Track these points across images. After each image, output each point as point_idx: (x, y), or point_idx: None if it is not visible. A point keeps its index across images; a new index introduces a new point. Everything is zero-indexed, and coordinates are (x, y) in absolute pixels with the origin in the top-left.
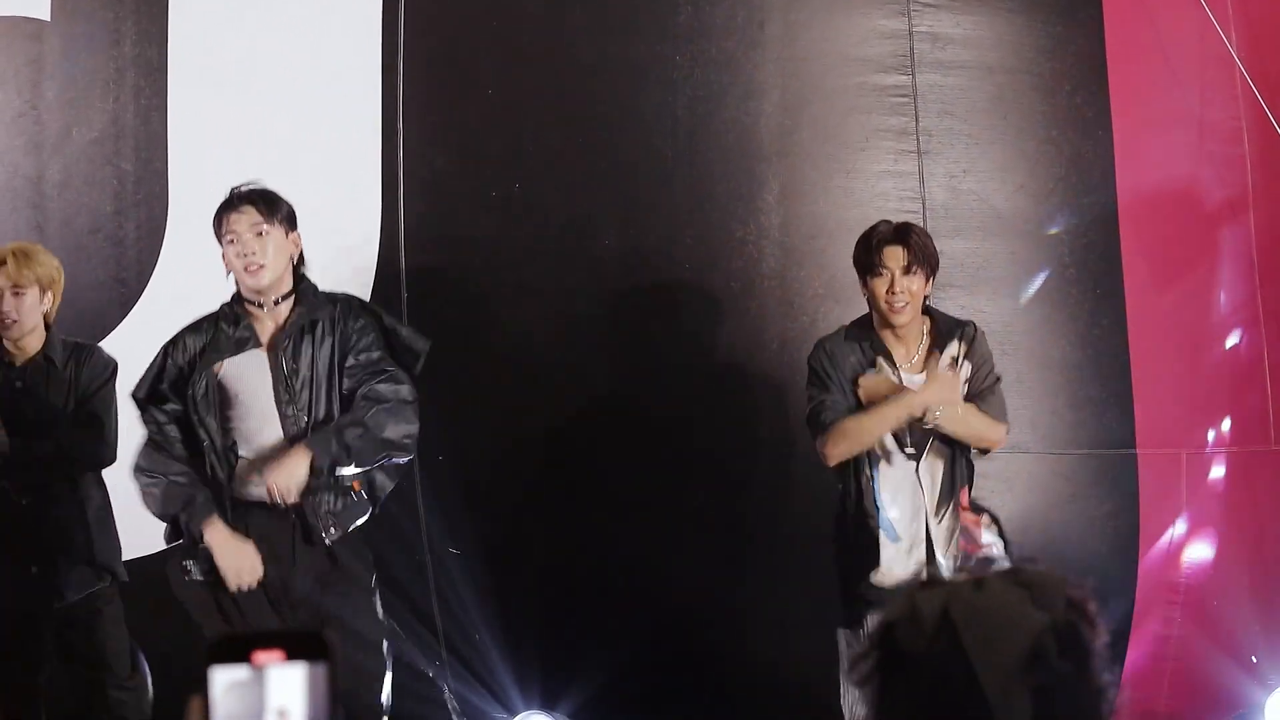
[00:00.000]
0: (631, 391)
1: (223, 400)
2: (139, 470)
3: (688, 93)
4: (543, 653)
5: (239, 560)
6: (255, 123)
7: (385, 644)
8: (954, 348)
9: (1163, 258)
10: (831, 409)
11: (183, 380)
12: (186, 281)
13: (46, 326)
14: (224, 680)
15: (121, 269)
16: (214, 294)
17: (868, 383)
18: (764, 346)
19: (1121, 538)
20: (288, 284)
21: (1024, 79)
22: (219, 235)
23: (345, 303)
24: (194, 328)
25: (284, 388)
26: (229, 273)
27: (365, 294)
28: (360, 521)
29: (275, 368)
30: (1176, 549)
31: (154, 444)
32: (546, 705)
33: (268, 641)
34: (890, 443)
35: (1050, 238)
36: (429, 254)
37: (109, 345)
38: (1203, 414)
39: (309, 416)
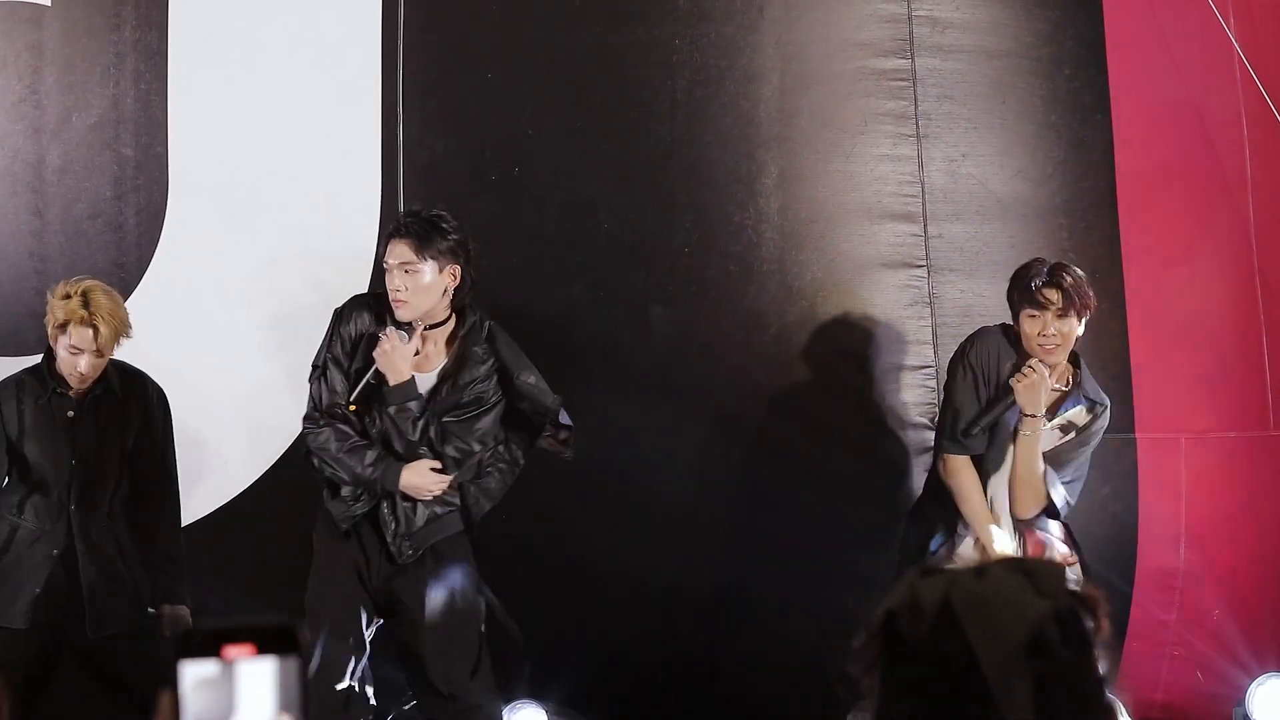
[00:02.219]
0: (628, 376)
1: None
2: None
3: (686, 76)
4: (530, 643)
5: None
6: (255, 107)
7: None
8: (1079, 415)
9: (1161, 242)
10: (960, 426)
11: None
12: (186, 266)
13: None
14: (194, 675)
15: (121, 254)
16: (213, 279)
17: (1029, 379)
18: (763, 330)
19: (1120, 522)
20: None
21: (1023, 63)
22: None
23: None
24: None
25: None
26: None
27: (365, 277)
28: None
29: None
30: (1175, 534)
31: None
32: (534, 695)
33: (238, 636)
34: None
35: (1049, 222)
36: None
37: None
38: (1201, 399)
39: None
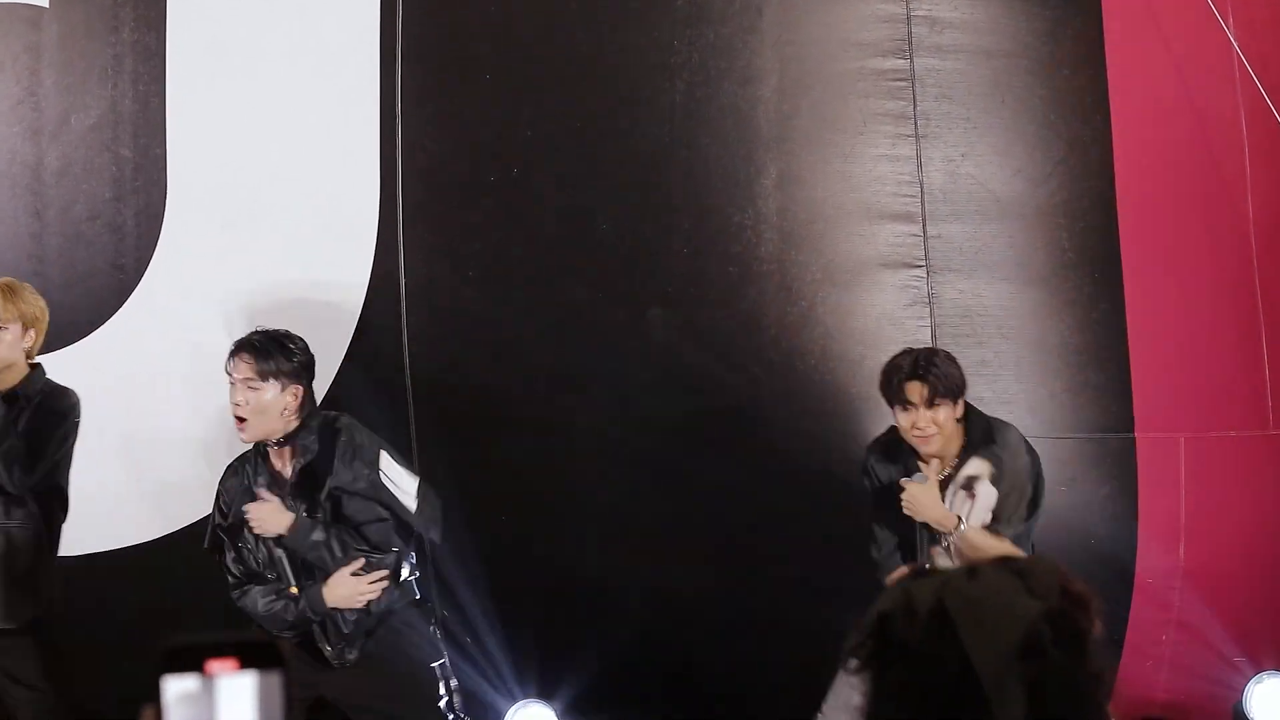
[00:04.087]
0: (628, 378)
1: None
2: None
3: (685, 78)
4: (540, 643)
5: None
6: (254, 109)
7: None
8: (974, 466)
9: (1161, 241)
10: (882, 548)
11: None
12: (185, 268)
13: (32, 365)
14: (176, 689)
15: (120, 255)
16: (211, 280)
17: (912, 492)
18: (762, 331)
19: (1120, 522)
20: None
21: (1022, 63)
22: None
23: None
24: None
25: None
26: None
27: (363, 281)
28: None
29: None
30: (1175, 533)
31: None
32: (543, 695)
33: (221, 650)
34: (931, 551)
35: (1048, 221)
36: (426, 240)
37: (107, 332)
38: (1201, 398)
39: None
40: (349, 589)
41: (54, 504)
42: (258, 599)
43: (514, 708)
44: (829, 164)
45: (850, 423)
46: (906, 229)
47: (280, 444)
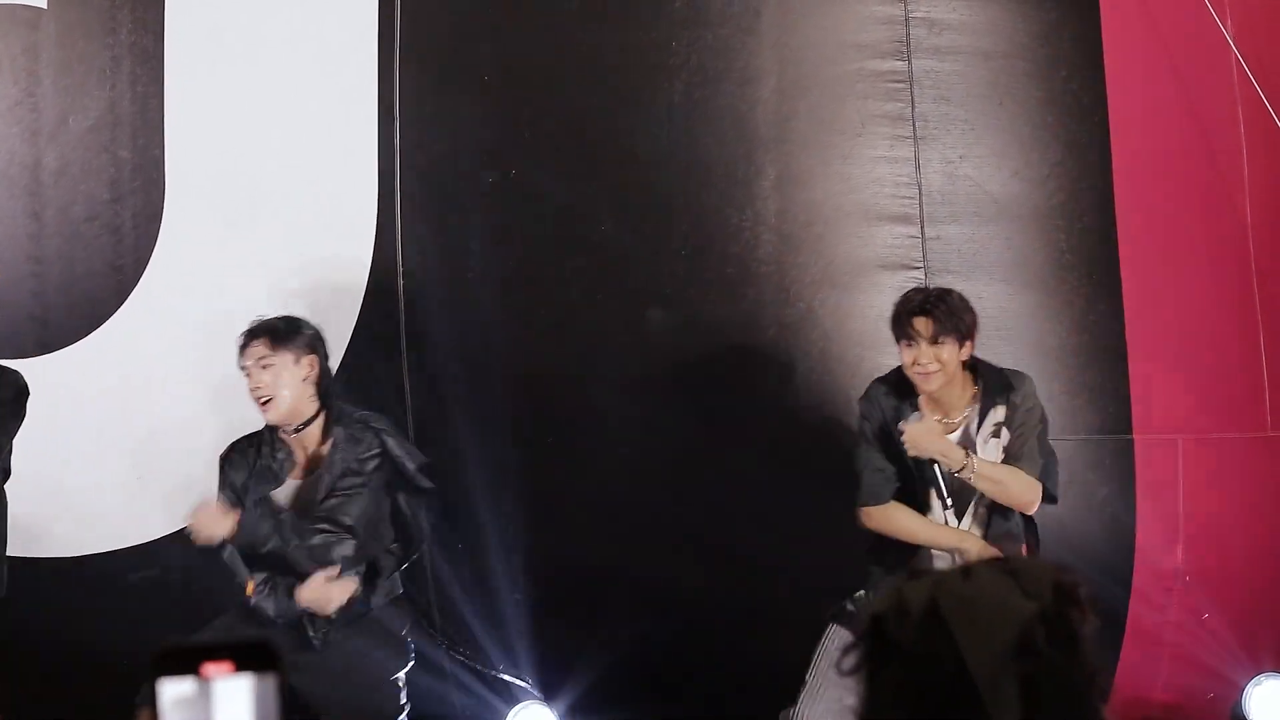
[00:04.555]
0: (627, 378)
1: None
2: None
3: (684, 79)
4: (540, 645)
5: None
6: (252, 109)
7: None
8: (998, 413)
9: (1159, 243)
10: (870, 480)
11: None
12: (183, 269)
13: None
14: (172, 693)
15: (118, 257)
16: (210, 281)
17: (912, 431)
18: (761, 332)
19: (1118, 524)
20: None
21: (1020, 65)
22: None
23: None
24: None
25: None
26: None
27: (361, 282)
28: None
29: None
30: (1173, 535)
31: None
32: (543, 697)
33: (216, 653)
34: (932, 497)
35: (1046, 223)
36: (425, 240)
37: (105, 333)
38: (1199, 399)
39: None
40: (320, 594)
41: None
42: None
43: (514, 709)
44: (827, 165)
45: (849, 423)
46: (905, 230)
47: (299, 430)
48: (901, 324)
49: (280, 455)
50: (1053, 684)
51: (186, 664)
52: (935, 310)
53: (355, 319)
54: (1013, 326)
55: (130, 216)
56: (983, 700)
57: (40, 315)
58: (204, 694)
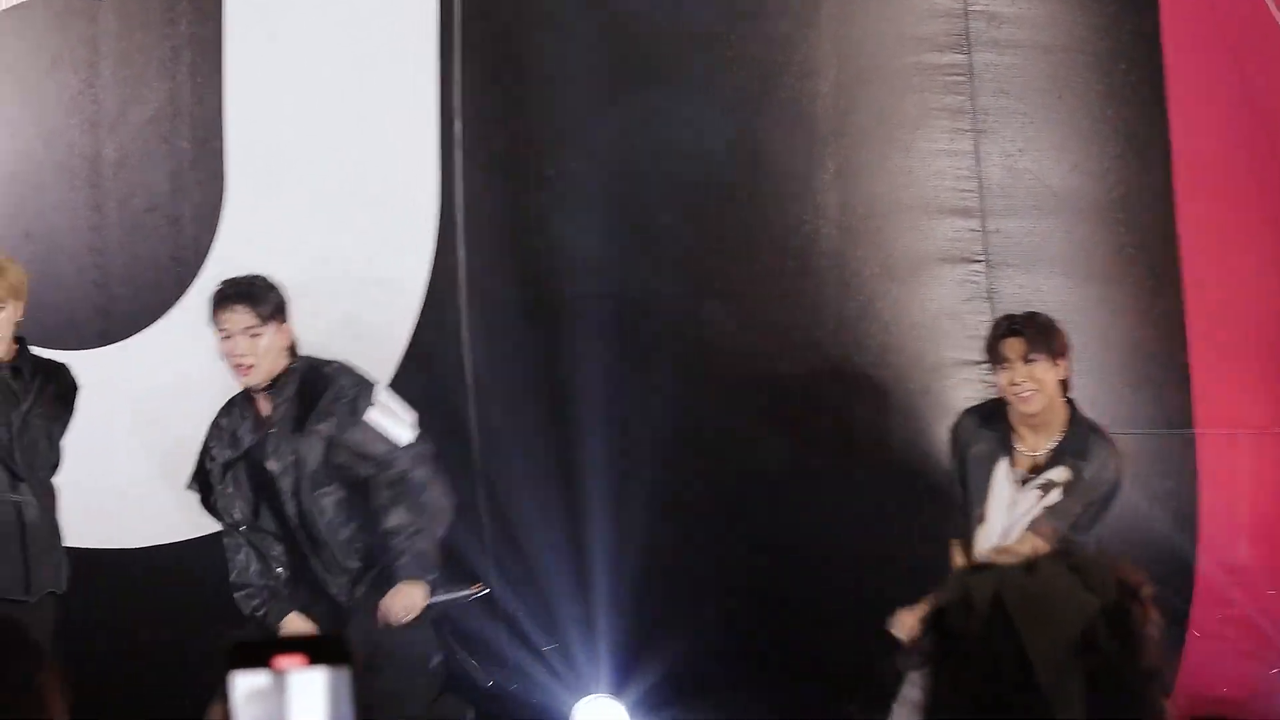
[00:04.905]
0: (688, 371)
1: None
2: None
3: (743, 71)
4: (609, 638)
5: None
6: (312, 100)
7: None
8: (1058, 473)
9: (1220, 235)
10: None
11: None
12: (243, 260)
13: (17, 338)
14: (245, 686)
15: (178, 248)
16: (270, 272)
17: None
18: (821, 325)
19: (1181, 518)
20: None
21: (1079, 58)
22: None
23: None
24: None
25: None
26: None
27: (423, 274)
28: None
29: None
30: (1236, 530)
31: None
32: (612, 690)
33: (289, 646)
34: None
35: (1106, 216)
36: (485, 232)
37: (166, 324)
38: (1262, 393)
39: None
40: (408, 599)
41: (52, 479)
42: (250, 564)
43: (581, 702)
44: (887, 159)
45: (909, 417)
46: (965, 224)
47: (270, 388)
48: (995, 350)
49: (246, 421)
50: (1115, 679)
51: (259, 657)
52: (1024, 330)
53: (418, 311)
54: (1073, 320)
55: (190, 208)
56: (1045, 694)
57: (102, 306)
58: (278, 687)
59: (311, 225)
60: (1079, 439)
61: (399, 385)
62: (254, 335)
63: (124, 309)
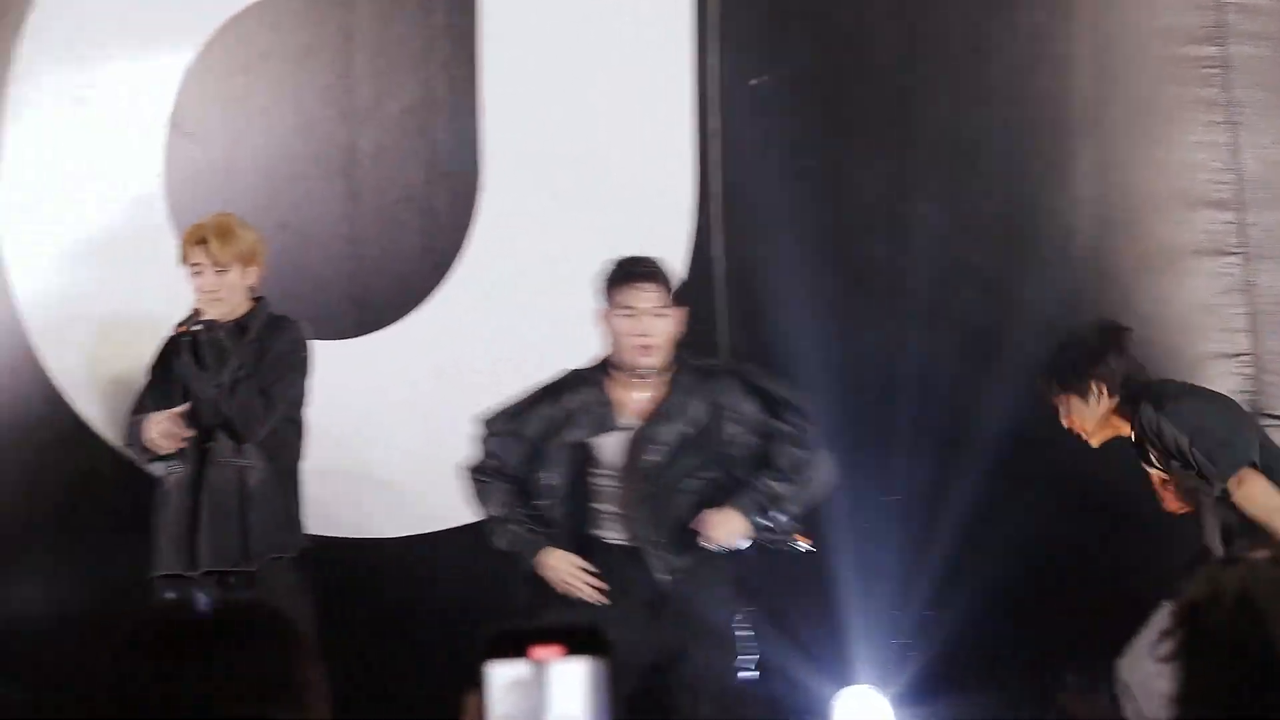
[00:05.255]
0: (940, 361)
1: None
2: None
3: (1000, 63)
4: (875, 630)
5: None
6: (568, 91)
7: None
8: None
9: None
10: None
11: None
12: (499, 251)
13: (257, 298)
14: (502, 676)
15: (434, 238)
16: (526, 263)
17: None
18: (1078, 316)
19: None
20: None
21: None
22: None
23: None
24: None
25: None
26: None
27: (681, 265)
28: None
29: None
30: None
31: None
32: (875, 681)
33: (546, 636)
34: None
35: None
36: (743, 223)
37: (421, 314)
38: None
39: None
40: (729, 527)
41: (292, 439)
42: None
43: (843, 691)
44: (1142, 150)
45: None
46: (1221, 216)
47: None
48: None
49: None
50: None
51: (516, 647)
52: None
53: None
54: None
55: (446, 199)
56: None
57: (358, 296)
58: (537, 677)
59: (567, 216)
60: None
61: None
62: (658, 315)
63: (379, 299)
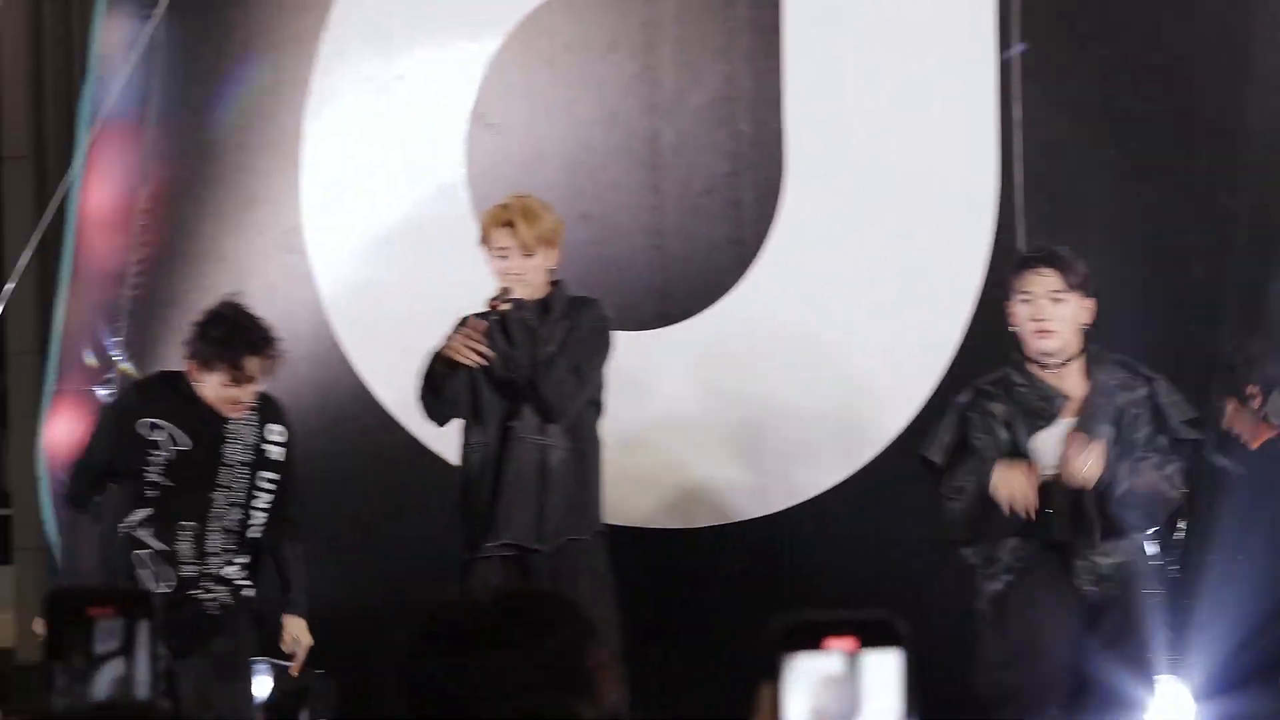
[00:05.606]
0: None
1: None
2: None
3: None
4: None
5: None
6: (870, 82)
7: None
8: None
9: None
10: None
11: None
12: (804, 243)
13: (554, 281)
14: (809, 668)
15: (738, 230)
16: (831, 256)
17: None
18: None
19: None
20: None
21: None
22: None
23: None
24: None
25: None
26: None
27: (981, 261)
28: None
29: None
30: None
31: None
32: (1178, 673)
33: (840, 628)
34: None
35: None
36: (1046, 215)
37: (726, 305)
38: None
39: None
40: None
41: (592, 421)
42: None
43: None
44: None
45: None
46: None
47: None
48: None
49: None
50: None
51: (811, 639)
52: None
53: (976, 296)
54: None
55: (750, 190)
56: None
57: (660, 287)
58: (839, 669)
59: (870, 207)
60: None
61: (958, 365)
62: (1055, 300)
63: (683, 290)
